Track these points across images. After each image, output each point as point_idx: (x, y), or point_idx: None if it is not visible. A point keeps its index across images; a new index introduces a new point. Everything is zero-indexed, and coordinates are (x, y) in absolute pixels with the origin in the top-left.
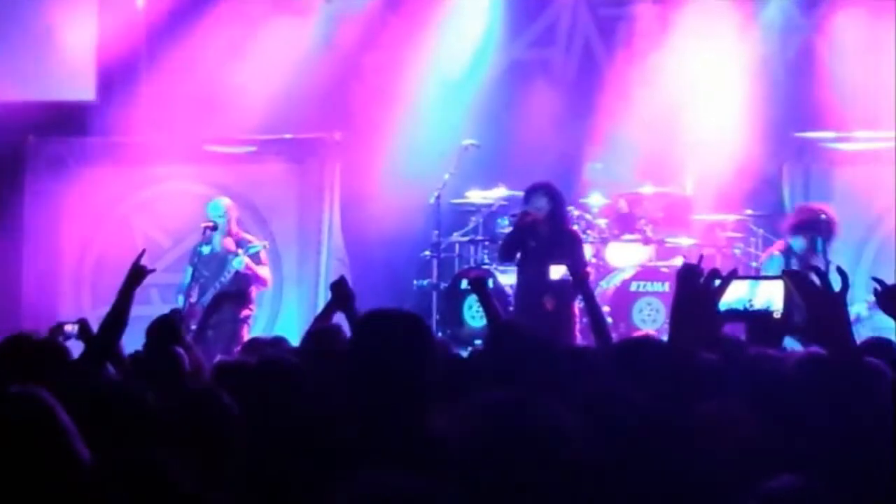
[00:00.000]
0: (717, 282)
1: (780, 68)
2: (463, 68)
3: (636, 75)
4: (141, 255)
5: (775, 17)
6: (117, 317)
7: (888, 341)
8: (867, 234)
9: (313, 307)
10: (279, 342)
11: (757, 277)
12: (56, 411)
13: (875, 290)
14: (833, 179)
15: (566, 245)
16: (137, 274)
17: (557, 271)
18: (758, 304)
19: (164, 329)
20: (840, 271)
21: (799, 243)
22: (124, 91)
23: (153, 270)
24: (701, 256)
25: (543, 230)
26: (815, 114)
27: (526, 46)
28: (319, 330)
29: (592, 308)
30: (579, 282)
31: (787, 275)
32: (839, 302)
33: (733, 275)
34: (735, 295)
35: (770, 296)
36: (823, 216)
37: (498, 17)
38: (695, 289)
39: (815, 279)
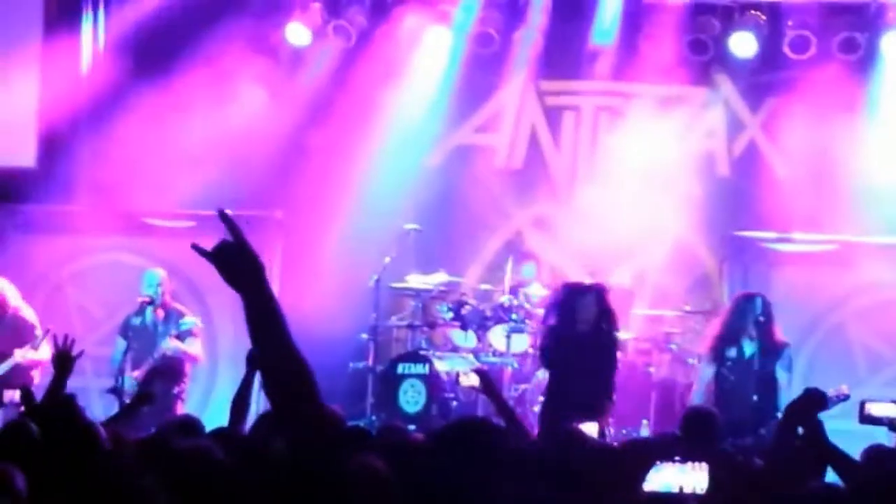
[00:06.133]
0: None
1: (725, 165)
2: (407, 151)
3: (581, 166)
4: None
5: (722, 115)
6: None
7: None
8: (803, 336)
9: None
10: (192, 427)
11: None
12: None
13: None
14: (772, 280)
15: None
16: (63, 361)
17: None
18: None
19: (65, 409)
20: None
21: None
22: (65, 159)
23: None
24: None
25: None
26: (757, 213)
27: (471, 131)
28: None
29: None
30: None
31: None
32: None
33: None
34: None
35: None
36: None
37: (444, 101)
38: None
39: None
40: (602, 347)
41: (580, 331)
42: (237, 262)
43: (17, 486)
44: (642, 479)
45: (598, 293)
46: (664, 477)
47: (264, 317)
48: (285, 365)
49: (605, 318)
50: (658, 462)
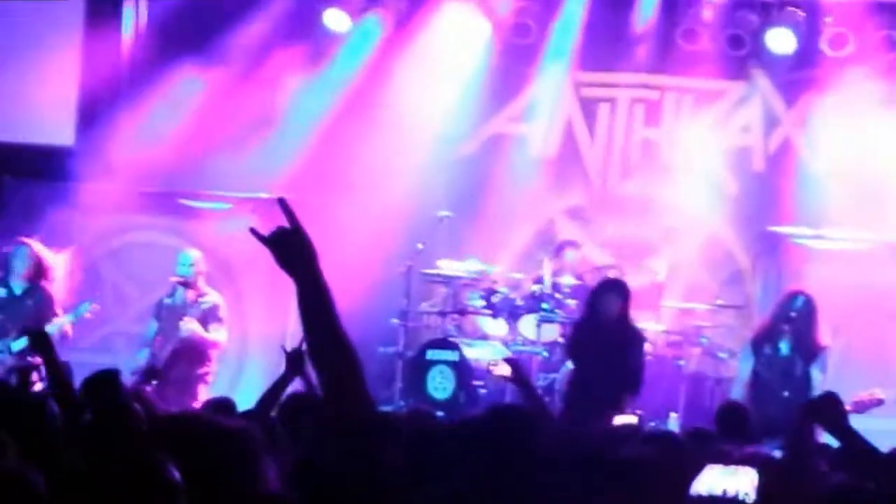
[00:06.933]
0: None
1: (760, 161)
2: (442, 139)
3: (615, 158)
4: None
5: (758, 110)
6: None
7: None
8: (835, 335)
9: (279, 367)
10: (225, 409)
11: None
12: None
13: None
14: (805, 276)
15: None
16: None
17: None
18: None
19: (106, 385)
20: None
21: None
22: (103, 137)
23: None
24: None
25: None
26: (791, 209)
27: (506, 121)
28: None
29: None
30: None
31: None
32: None
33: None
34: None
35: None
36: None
37: (480, 90)
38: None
39: None
40: (626, 343)
41: (603, 325)
42: (293, 248)
43: (38, 489)
44: (689, 480)
45: (621, 289)
46: (711, 479)
47: (316, 302)
48: (333, 349)
49: (628, 314)
50: (707, 464)
